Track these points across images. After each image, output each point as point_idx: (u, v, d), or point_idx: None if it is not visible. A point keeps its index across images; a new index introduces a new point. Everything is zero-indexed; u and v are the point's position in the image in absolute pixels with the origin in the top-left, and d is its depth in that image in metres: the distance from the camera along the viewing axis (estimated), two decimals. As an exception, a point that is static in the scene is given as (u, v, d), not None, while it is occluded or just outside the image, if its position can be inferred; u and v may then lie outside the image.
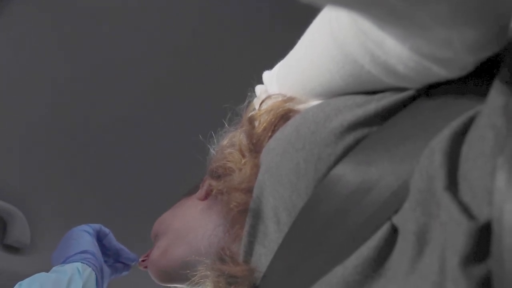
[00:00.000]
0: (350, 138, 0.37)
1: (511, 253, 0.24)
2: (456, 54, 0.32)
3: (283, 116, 0.46)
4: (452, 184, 0.29)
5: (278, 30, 0.77)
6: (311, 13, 0.41)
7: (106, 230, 0.66)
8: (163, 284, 0.56)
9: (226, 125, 0.53)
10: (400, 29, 0.31)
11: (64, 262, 0.58)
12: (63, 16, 0.74)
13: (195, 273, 0.47)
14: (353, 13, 0.34)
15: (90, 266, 0.58)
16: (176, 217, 0.55)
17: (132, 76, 0.84)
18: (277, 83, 0.49)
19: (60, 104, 0.82)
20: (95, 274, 0.58)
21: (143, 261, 0.58)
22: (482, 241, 0.26)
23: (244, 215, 0.44)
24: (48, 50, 0.76)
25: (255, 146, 0.46)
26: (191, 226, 0.52)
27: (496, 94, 0.30)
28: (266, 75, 0.52)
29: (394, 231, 0.32)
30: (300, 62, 0.45)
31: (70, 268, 0.56)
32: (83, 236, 0.61)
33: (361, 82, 0.39)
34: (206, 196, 0.53)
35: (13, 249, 0.87)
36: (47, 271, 0.57)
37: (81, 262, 0.57)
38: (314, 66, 0.42)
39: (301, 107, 0.46)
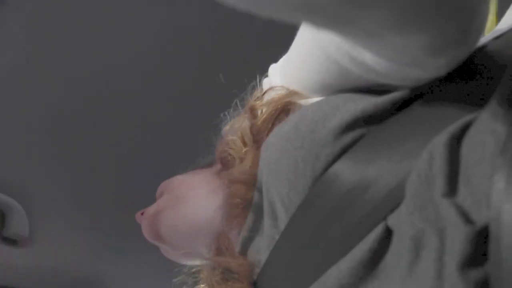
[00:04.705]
0: (348, 138, 0.37)
1: (510, 253, 0.24)
2: (417, 58, 0.31)
3: (283, 109, 0.47)
4: (451, 190, 0.29)
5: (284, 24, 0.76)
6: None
7: None
8: (173, 241, 0.56)
9: (232, 110, 0.53)
10: (354, 37, 0.30)
11: None
12: (63, 15, 0.74)
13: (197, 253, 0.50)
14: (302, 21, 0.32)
15: None
16: (194, 186, 0.55)
17: (136, 63, 0.83)
18: (280, 76, 0.49)
19: (58, 98, 0.81)
20: None
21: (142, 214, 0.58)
22: (480, 244, 0.26)
23: (245, 210, 0.44)
24: (48, 50, 0.76)
25: (255, 137, 0.46)
26: (200, 201, 0.53)
27: (497, 100, 0.30)
28: (272, 67, 0.53)
29: (388, 233, 0.32)
30: (295, 61, 0.45)
31: None
32: None
33: (352, 81, 0.39)
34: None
35: (11, 241, 0.87)
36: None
37: None
38: (305, 66, 0.43)
39: (302, 101, 0.47)
